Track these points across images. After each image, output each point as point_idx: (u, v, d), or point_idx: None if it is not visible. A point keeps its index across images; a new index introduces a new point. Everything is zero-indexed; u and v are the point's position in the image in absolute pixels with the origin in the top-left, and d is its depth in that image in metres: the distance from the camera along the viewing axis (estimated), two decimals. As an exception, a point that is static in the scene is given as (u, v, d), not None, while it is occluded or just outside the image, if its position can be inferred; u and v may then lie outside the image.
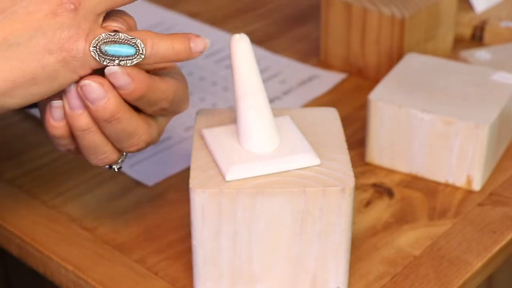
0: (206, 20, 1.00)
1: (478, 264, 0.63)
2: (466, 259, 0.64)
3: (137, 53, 0.51)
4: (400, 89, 0.72)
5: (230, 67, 0.91)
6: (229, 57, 0.91)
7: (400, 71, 0.75)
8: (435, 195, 0.70)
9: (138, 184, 0.72)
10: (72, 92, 0.51)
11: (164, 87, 0.53)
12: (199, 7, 1.04)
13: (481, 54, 0.86)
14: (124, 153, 0.56)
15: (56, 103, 0.52)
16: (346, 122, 0.73)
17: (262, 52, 0.92)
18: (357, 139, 0.76)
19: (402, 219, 0.68)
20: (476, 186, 0.71)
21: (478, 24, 0.94)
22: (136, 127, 0.53)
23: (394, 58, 0.84)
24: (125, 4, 0.52)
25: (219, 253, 0.57)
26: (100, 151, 0.54)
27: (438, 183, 0.72)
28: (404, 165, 0.72)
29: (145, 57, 0.51)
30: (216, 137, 0.59)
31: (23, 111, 0.81)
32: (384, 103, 0.71)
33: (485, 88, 0.73)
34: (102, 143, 0.54)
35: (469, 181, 0.70)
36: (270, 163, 0.56)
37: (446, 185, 0.71)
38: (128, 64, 0.50)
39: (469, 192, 0.71)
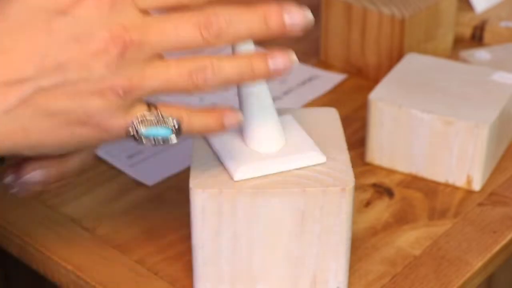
0: (206, 20, 1.00)
1: (478, 264, 0.63)
2: (466, 259, 0.63)
3: (173, 132, 0.49)
4: (400, 89, 0.72)
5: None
6: (229, 57, 0.91)
7: (400, 71, 0.75)
8: (435, 195, 0.70)
9: (138, 184, 0.72)
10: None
11: None
12: (199, 7, 1.04)
13: (481, 54, 0.86)
14: None
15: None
16: (346, 122, 0.73)
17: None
18: (357, 139, 0.76)
19: (402, 219, 0.68)
20: (476, 186, 0.71)
21: (478, 24, 0.94)
22: None
23: (394, 58, 0.84)
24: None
25: (219, 253, 0.57)
26: None
27: (438, 183, 0.71)
28: (404, 165, 0.72)
29: (181, 134, 0.50)
30: (221, 137, 0.59)
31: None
32: (384, 103, 0.71)
33: (485, 88, 0.73)
34: None
35: (469, 181, 0.70)
36: (278, 162, 0.56)
37: (446, 185, 0.71)
38: (168, 143, 0.49)
39: (469, 192, 0.71)
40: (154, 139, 0.49)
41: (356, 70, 0.88)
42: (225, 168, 0.57)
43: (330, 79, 0.88)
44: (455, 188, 0.71)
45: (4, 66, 0.47)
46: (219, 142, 0.58)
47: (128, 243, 0.65)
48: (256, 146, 0.58)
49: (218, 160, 0.58)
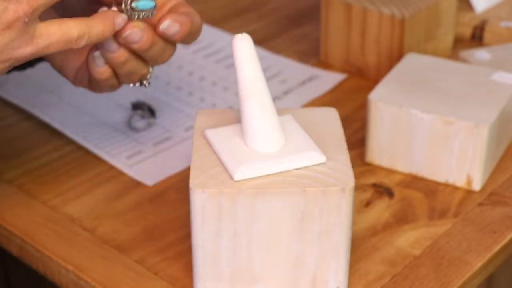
0: (206, 20, 1.00)
1: (478, 264, 0.63)
2: (466, 259, 0.64)
3: (155, 6, 0.58)
4: (400, 89, 0.72)
5: (230, 67, 0.92)
6: (229, 57, 0.91)
7: (400, 71, 0.75)
8: (435, 195, 0.70)
9: (138, 184, 0.72)
10: (110, 43, 0.58)
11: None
12: (199, 7, 1.04)
13: (481, 54, 0.86)
14: (151, 68, 0.63)
15: (97, 53, 0.60)
16: (346, 122, 0.73)
17: (262, 52, 0.92)
18: (357, 139, 0.76)
19: (402, 219, 0.68)
20: (476, 186, 0.71)
21: (478, 24, 0.94)
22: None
23: (394, 58, 0.84)
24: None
25: (219, 253, 0.57)
26: (136, 73, 0.61)
27: (438, 183, 0.72)
28: (404, 165, 0.72)
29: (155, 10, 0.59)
30: (221, 137, 0.59)
31: (24, 111, 0.81)
32: (384, 103, 0.71)
33: (485, 88, 0.73)
34: (139, 65, 0.61)
35: (469, 181, 0.70)
36: (278, 161, 0.57)
37: (446, 185, 0.71)
38: (150, 16, 0.58)
39: (469, 192, 0.71)
40: (142, 12, 0.58)
41: (356, 70, 0.88)
42: (225, 168, 0.57)
43: (330, 79, 0.88)
44: (455, 188, 0.71)
45: None
46: (219, 142, 0.58)
47: (128, 243, 0.65)
48: (256, 146, 0.58)
49: (218, 160, 0.58)
